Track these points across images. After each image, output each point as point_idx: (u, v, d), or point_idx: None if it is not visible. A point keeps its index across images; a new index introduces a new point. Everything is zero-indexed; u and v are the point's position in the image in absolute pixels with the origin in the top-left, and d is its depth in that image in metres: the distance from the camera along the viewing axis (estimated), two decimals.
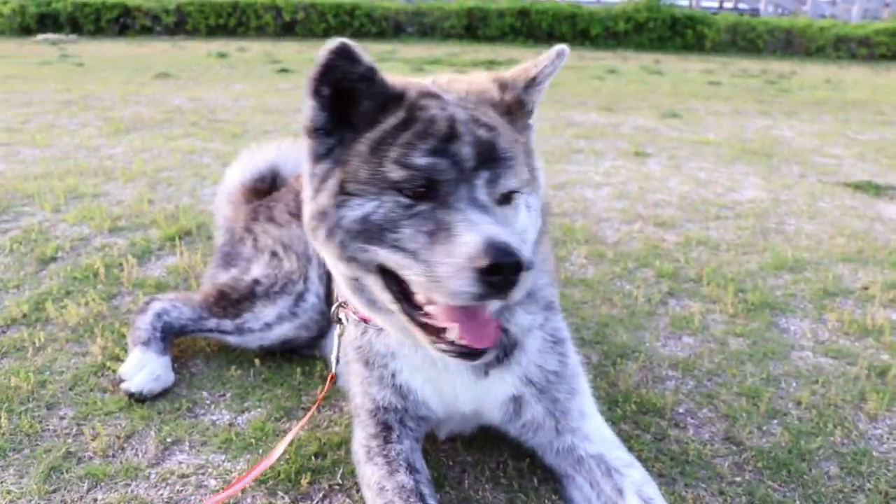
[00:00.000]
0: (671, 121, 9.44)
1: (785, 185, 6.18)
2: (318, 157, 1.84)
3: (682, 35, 24.17)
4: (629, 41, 24.26)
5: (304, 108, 1.82)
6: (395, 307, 1.80)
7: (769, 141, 8.28)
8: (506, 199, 1.79)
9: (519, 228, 1.82)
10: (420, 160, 1.69)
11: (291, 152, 3.52)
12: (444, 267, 1.58)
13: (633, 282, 3.94)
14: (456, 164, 1.70)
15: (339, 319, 2.34)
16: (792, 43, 23.78)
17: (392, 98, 1.80)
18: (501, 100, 1.93)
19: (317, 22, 24.70)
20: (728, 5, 34.08)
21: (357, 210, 1.72)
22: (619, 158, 7.08)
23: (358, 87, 1.76)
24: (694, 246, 4.52)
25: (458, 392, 2.18)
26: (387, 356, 2.20)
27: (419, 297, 1.75)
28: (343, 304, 2.28)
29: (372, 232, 1.71)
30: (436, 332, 1.76)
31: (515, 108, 1.95)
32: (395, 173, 1.70)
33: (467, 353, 1.74)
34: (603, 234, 4.73)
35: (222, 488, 2.24)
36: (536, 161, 1.97)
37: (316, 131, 1.82)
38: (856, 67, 20.11)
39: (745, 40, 23.96)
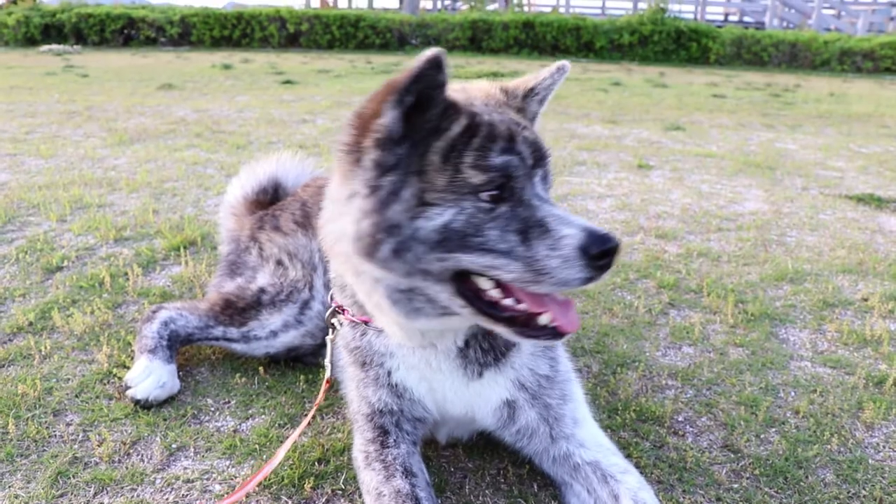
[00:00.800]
0: (675, 133, 9.49)
1: (787, 197, 6.22)
2: (384, 170, 1.75)
3: (687, 48, 24.31)
4: (634, 53, 24.40)
5: (378, 121, 1.73)
6: (466, 310, 1.84)
7: (772, 154, 8.32)
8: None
9: None
10: (496, 160, 1.75)
11: (291, 165, 3.57)
12: (553, 259, 1.70)
13: (633, 292, 3.97)
14: (523, 164, 1.80)
15: (333, 325, 2.37)
16: (797, 56, 23.89)
17: (450, 106, 1.82)
18: (508, 106, 2.01)
19: (321, 33, 24.88)
20: (733, 18, 34.26)
21: (436, 220, 1.72)
22: (623, 170, 7.12)
23: (433, 95, 1.76)
24: (695, 257, 4.55)
25: (446, 394, 2.21)
26: (385, 355, 2.23)
27: (491, 294, 1.82)
28: (338, 310, 2.30)
29: (452, 240, 1.73)
30: (524, 322, 1.84)
31: (523, 115, 2.03)
32: (475, 177, 1.74)
33: (558, 334, 1.84)
34: None
35: (227, 493, 2.27)
36: None
37: (388, 142, 1.74)
38: (860, 81, 20.18)
39: (750, 53, 24.09)
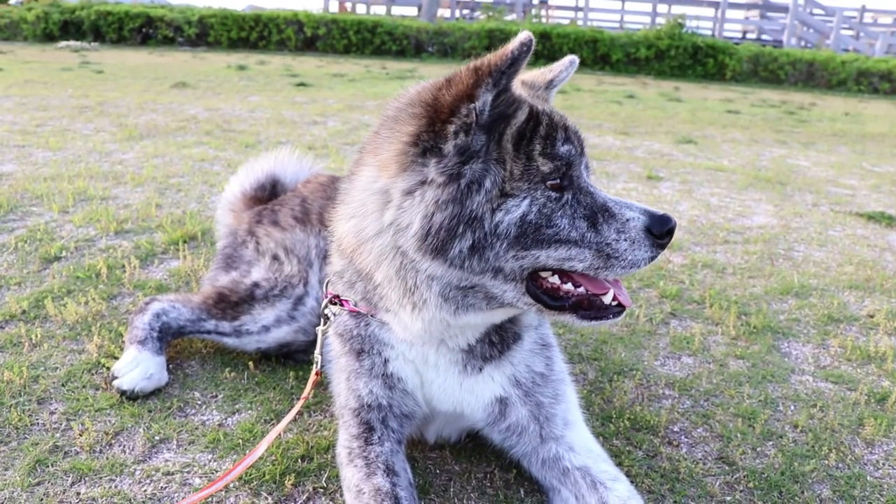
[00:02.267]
0: (687, 146, 9.42)
1: (797, 212, 6.14)
2: (467, 157, 1.71)
3: (704, 64, 24.21)
4: (650, 67, 24.32)
5: (468, 105, 1.70)
6: (532, 306, 1.85)
7: (784, 169, 8.24)
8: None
9: None
10: (562, 149, 1.79)
11: (290, 162, 3.57)
12: (623, 243, 1.77)
13: (635, 301, 3.91)
14: (577, 151, 1.83)
15: (328, 316, 2.32)
16: (814, 75, 23.75)
17: (514, 96, 1.82)
18: (537, 97, 2.00)
19: (338, 38, 24.93)
20: (751, 36, 34.15)
21: (515, 212, 1.72)
22: (632, 181, 7.06)
23: (511, 80, 1.77)
24: (700, 268, 4.49)
25: (437, 390, 2.17)
26: (385, 345, 2.18)
27: (552, 281, 1.84)
28: (334, 300, 2.25)
29: (528, 235, 1.72)
30: (587, 306, 1.87)
31: None
32: (545, 166, 1.75)
33: (620, 311, 1.89)
34: None
35: (205, 486, 2.23)
36: None
37: (476, 127, 1.72)
38: (877, 101, 20.05)
39: (767, 71, 23.96)
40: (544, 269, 1.80)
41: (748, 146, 9.90)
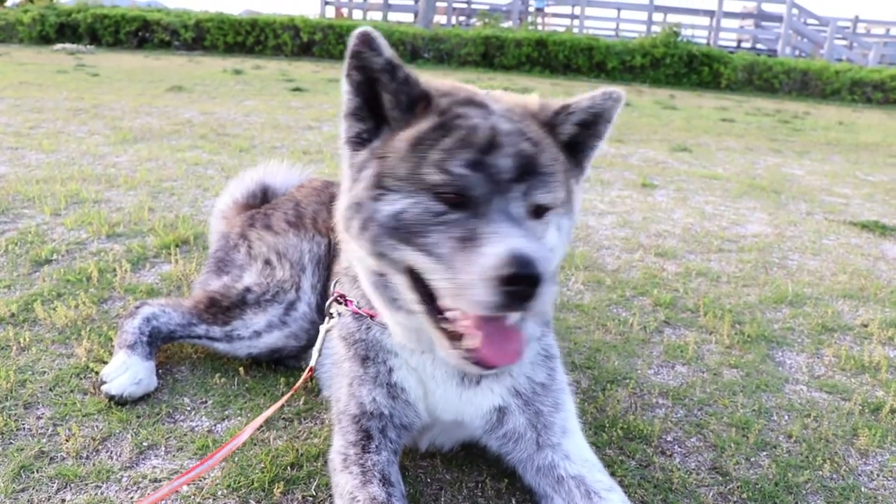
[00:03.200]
0: (681, 154, 9.43)
1: (791, 221, 6.14)
2: (354, 145, 1.87)
3: (699, 72, 24.27)
4: (645, 76, 24.36)
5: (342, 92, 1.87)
6: (419, 308, 1.79)
7: (779, 178, 8.25)
8: (538, 213, 1.78)
9: (547, 245, 1.80)
10: (457, 169, 1.68)
11: (279, 170, 3.59)
12: (467, 275, 1.57)
13: (629, 309, 3.89)
14: (492, 177, 1.69)
15: (332, 314, 2.31)
16: (808, 84, 23.84)
17: (418, 98, 1.81)
18: (542, 119, 1.93)
19: (334, 43, 24.92)
20: (746, 45, 34.26)
21: (393, 205, 1.72)
22: (626, 188, 7.06)
23: (381, 79, 1.79)
24: (694, 277, 4.47)
25: (438, 400, 2.15)
26: (389, 353, 2.17)
27: (442, 302, 1.71)
28: (339, 299, 2.24)
29: (402, 232, 1.71)
30: (456, 338, 1.73)
31: (552, 132, 1.93)
32: (433, 176, 1.69)
33: (483, 364, 1.72)
34: (603, 261, 4.69)
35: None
36: (577, 187, 1.99)
37: (351, 115, 1.86)
38: (870, 111, 20.13)
39: (762, 80, 24.04)
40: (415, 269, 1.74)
41: (743, 154, 9.91)
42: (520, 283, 1.52)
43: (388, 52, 1.76)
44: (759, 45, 33.30)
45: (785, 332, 3.70)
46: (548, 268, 1.56)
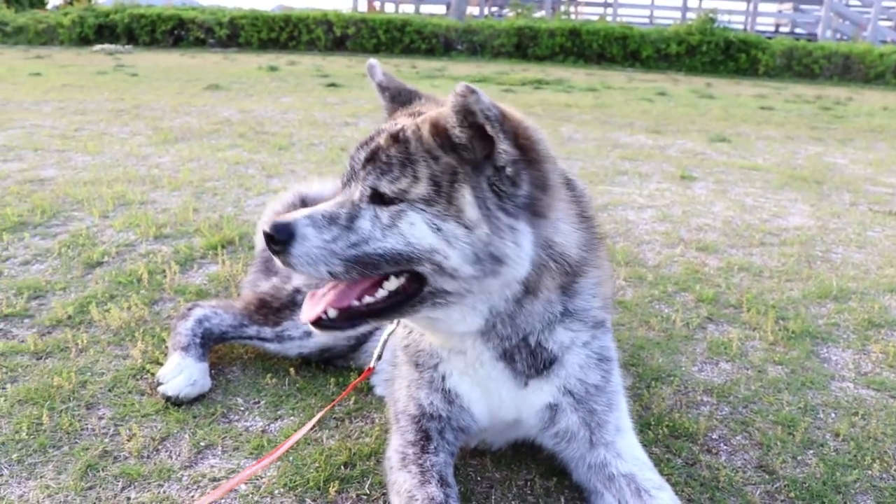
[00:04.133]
0: (720, 145, 9.34)
1: (834, 212, 6.07)
2: None
3: (736, 59, 23.95)
4: (681, 64, 24.11)
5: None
6: None
7: (821, 168, 8.14)
8: (383, 200, 1.86)
9: (361, 230, 1.87)
10: (346, 160, 2.03)
11: (314, 185, 3.74)
12: None
13: (671, 305, 3.90)
14: (353, 165, 1.97)
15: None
16: (850, 69, 23.38)
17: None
18: (440, 126, 1.86)
19: (367, 37, 25.03)
20: (784, 29, 33.70)
21: None
22: (665, 181, 7.03)
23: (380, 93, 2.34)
24: (736, 272, 4.46)
25: (503, 398, 2.20)
26: (436, 357, 2.23)
27: None
28: None
29: None
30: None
31: (444, 136, 1.86)
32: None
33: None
34: (644, 256, 4.69)
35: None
36: (470, 192, 1.82)
37: None
38: None
39: (801, 65, 23.63)
40: None
41: (783, 144, 9.79)
42: (271, 242, 1.87)
43: (380, 76, 2.27)
44: (798, 30, 32.79)
45: (830, 328, 3.68)
46: (284, 229, 1.85)
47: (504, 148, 1.77)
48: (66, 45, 24.37)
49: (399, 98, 2.24)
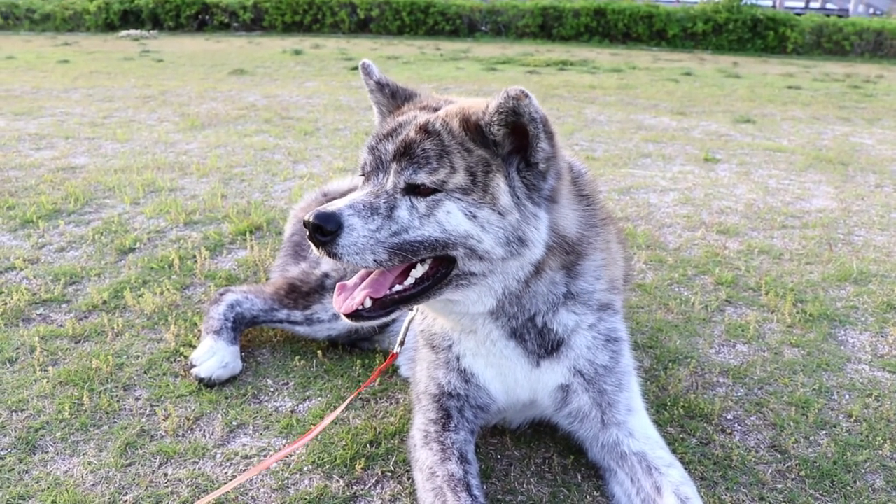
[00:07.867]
0: (745, 126, 9.31)
1: (858, 194, 6.06)
2: None
3: (764, 37, 23.66)
4: (707, 42, 23.87)
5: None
6: None
7: (846, 149, 8.09)
8: (418, 191, 1.94)
9: (401, 219, 1.93)
10: (363, 152, 2.10)
11: (335, 182, 3.88)
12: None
13: (691, 288, 3.95)
14: (380, 158, 2.03)
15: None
16: (882, 45, 22.98)
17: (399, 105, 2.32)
18: (471, 122, 1.97)
19: (391, 19, 25.03)
20: (814, 6, 33.14)
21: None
22: (688, 164, 7.04)
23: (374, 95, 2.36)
24: (756, 255, 4.50)
25: (518, 378, 2.29)
26: (450, 340, 2.34)
27: None
28: None
29: None
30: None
31: (478, 132, 1.96)
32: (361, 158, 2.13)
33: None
34: (665, 239, 4.74)
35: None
36: (504, 182, 1.95)
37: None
38: None
39: (831, 42, 23.27)
40: None
41: (809, 124, 9.72)
42: (315, 231, 1.87)
43: (378, 75, 2.28)
44: (829, 6, 32.23)
45: (848, 311, 3.72)
46: (338, 221, 1.87)
47: (543, 146, 1.94)
48: (92, 31, 24.67)
49: (399, 95, 2.29)
